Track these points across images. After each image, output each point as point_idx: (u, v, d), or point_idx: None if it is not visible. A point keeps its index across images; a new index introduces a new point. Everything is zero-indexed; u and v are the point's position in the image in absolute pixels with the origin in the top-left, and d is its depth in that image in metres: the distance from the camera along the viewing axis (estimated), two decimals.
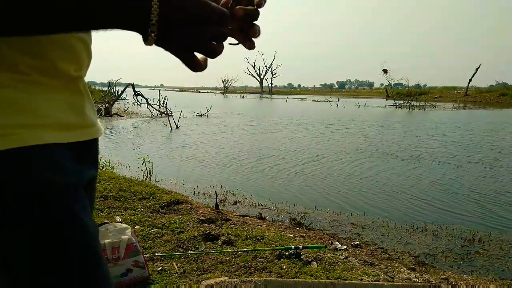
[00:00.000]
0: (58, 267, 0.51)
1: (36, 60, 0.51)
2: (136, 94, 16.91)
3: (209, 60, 0.52)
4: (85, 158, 0.61)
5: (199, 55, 0.50)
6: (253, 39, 0.55)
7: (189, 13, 0.45)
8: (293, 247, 2.56)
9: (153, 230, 2.87)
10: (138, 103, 19.85)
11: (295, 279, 2.19)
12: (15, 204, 0.47)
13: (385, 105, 28.53)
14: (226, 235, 2.83)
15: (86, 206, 0.56)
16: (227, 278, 2.13)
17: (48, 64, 0.52)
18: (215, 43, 0.49)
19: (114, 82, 19.79)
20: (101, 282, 0.57)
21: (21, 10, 0.40)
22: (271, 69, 69.68)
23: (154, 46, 0.47)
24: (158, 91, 19.24)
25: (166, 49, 0.48)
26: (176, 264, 2.35)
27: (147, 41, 0.45)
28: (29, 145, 0.48)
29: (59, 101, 0.55)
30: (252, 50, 0.56)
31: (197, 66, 0.50)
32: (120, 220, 2.99)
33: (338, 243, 3.06)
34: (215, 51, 0.49)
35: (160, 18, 0.44)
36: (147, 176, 5.42)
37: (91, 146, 0.64)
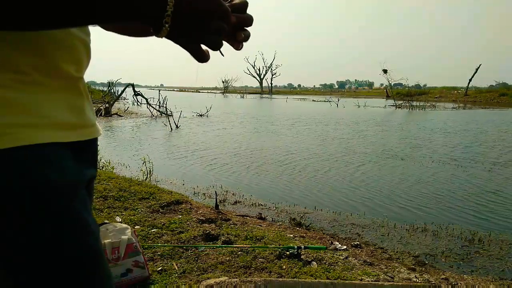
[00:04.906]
0: (59, 265, 0.51)
1: (38, 60, 0.51)
2: (136, 94, 16.91)
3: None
4: (84, 157, 0.61)
5: (203, 47, 0.52)
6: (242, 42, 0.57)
7: (199, 5, 0.47)
8: (294, 247, 2.56)
9: (153, 230, 2.87)
10: (138, 103, 19.84)
11: (295, 279, 2.19)
12: (15, 203, 0.47)
13: (385, 105, 28.53)
14: (226, 235, 2.83)
15: (87, 205, 0.57)
16: (227, 278, 2.13)
17: (49, 64, 0.53)
18: (217, 36, 0.51)
19: (114, 82, 19.79)
20: (102, 280, 0.57)
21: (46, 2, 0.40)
22: (271, 69, 69.72)
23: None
24: (158, 91, 19.23)
25: (175, 41, 0.49)
26: (176, 264, 2.35)
27: (160, 32, 0.47)
28: (29, 144, 0.48)
29: (60, 101, 0.55)
30: (238, 50, 0.59)
31: (203, 57, 0.52)
32: (120, 220, 2.98)
33: (338, 243, 3.06)
34: (218, 43, 0.51)
35: (174, 9, 0.45)
36: (147, 176, 5.41)
37: (91, 146, 0.64)
